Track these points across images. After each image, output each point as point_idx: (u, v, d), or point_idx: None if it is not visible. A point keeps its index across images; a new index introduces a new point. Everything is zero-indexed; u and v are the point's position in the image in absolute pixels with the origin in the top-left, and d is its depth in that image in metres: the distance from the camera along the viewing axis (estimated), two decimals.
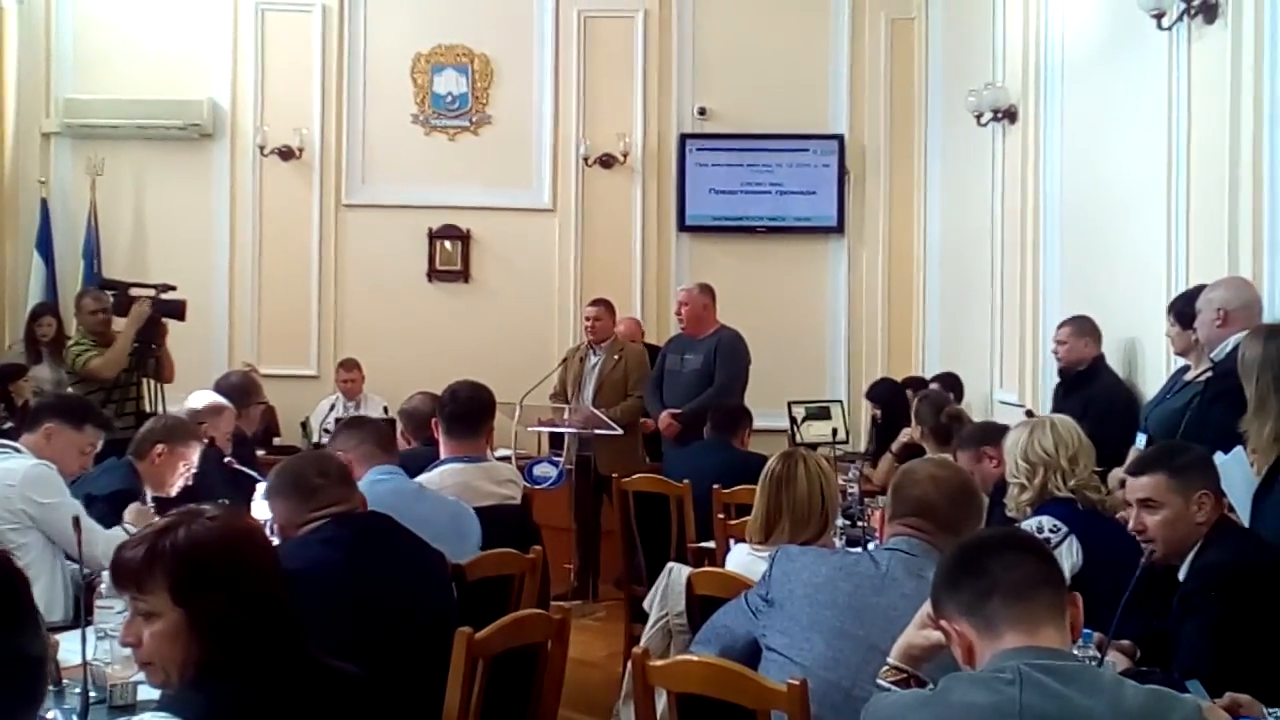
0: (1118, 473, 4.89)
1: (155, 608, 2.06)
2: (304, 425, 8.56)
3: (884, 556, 2.91)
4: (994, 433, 4.47)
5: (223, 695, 2.01)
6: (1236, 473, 3.60)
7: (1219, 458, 3.72)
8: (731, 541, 4.39)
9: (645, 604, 4.05)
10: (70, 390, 7.34)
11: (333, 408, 8.90)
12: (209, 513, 2.19)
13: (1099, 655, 2.73)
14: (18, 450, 4.10)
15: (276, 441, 8.23)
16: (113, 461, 4.55)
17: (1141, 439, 5.04)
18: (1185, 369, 5.04)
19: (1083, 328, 5.94)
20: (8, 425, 6.74)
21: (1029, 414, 6.15)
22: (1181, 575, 3.08)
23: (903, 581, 2.80)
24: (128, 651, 2.21)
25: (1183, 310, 4.90)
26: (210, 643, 2.05)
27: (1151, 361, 5.77)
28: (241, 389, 6.08)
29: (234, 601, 2.06)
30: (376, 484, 3.90)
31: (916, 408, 5.73)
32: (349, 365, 9.13)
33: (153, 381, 7.39)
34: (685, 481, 5.70)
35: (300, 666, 2.13)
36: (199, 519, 2.15)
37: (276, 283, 9.72)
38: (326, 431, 7.99)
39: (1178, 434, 4.56)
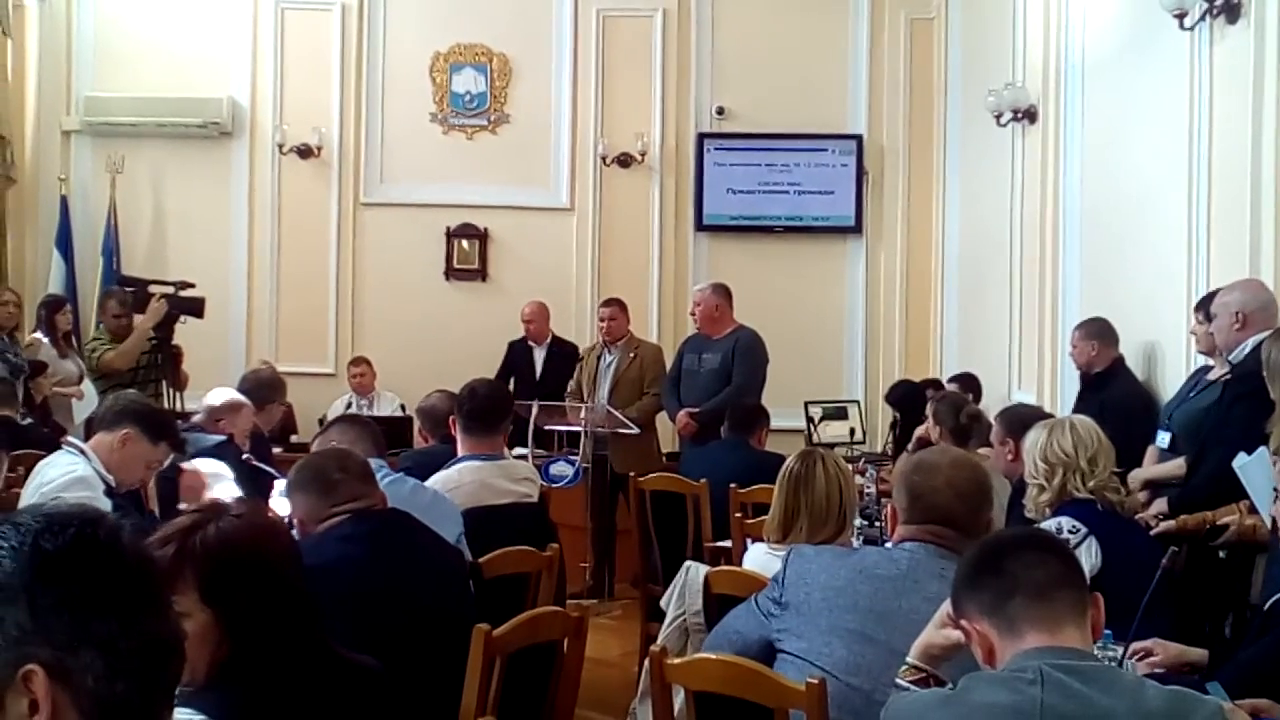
0: (1138, 473, 4.89)
1: (183, 608, 1.99)
2: (321, 423, 8.56)
3: (903, 557, 2.86)
4: (1028, 425, 4.34)
5: (247, 693, 2.00)
6: (1259, 474, 3.58)
7: (1241, 459, 3.70)
8: (749, 541, 4.39)
9: (662, 603, 4.04)
10: (94, 385, 7.39)
11: (349, 405, 8.93)
12: (234, 509, 2.16)
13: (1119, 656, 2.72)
14: (83, 453, 4.06)
15: (294, 439, 8.25)
16: None
17: (1165, 437, 5.02)
18: (1207, 368, 5.02)
19: (1089, 331, 5.91)
20: (27, 421, 6.77)
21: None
22: None
23: (924, 584, 2.76)
24: None
25: (1210, 309, 4.87)
26: (237, 641, 2.02)
27: (1171, 363, 5.74)
28: (268, 385, 6.12)
29: (263, 600, 2.04)
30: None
31: (935, 408, 5.70)
32: (358, 361, 9.19)
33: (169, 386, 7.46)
34: (702, 480, 5.70)
35: (323, 661, 2.12)
36: (225, 516, 2.12)
37: (295, 281, 9.75)
38: None
39: (1201, 433, 4.55)
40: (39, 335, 7.77)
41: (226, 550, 2.05)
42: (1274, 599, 3.02)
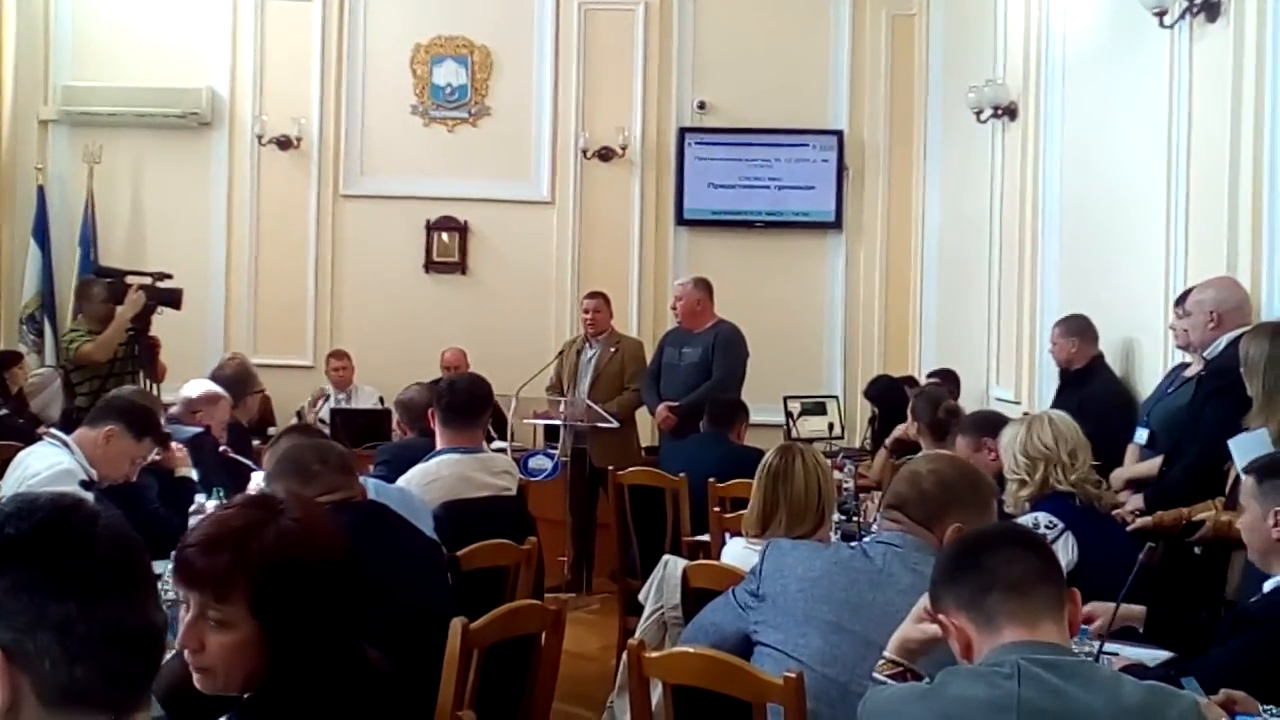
0: (1120, 472, 4.91)
1: (230, 618, 1.86)
2: (299, 415, 8.55)
3: (877, 551, 2.89)
4: (997, 423, 4.41)
5: (283, 706, 1.89)
6: (1255, 453, 3.58)
7: (1243, 436, 3.70)
8: (727, 535, 4.39)
9: (640, 596, 4.05)
10: (71, 375, 7.32)
11: (326, 398, 8.90)
12: (290, 510, 1.97)
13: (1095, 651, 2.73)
14: (66, 445, 4.03)
15: (271, 431, 8.22)
16: None
17: (1144, 434, 5.04)
18: (1184, 365, 5.04)
19: (1070, 328, 5.93)
20: (3, 412, 6.73)
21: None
22: (1266, 587, 2.99)
23: (899, 577, 2.78)
24: None
25: (1185, 306, 4.89)
26: (282, 652, 1.88)
27: (1150, 359, 5.76)
28: (237, 380, 6.09)
29: (315, 612, 1.91)
30: None
31: (913, 404, 5.72)
32: (338, 354, 9.15)
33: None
34: (681, 475, 5.70)
35: (359, 672, 2.00)
36: (281, 518, 1.94)
37: (273, 272, 9.71)
38: (322, 422, 8.01)
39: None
40: None
41: (287, 561, 1.89)
42: (1250, 601, 3.03)
